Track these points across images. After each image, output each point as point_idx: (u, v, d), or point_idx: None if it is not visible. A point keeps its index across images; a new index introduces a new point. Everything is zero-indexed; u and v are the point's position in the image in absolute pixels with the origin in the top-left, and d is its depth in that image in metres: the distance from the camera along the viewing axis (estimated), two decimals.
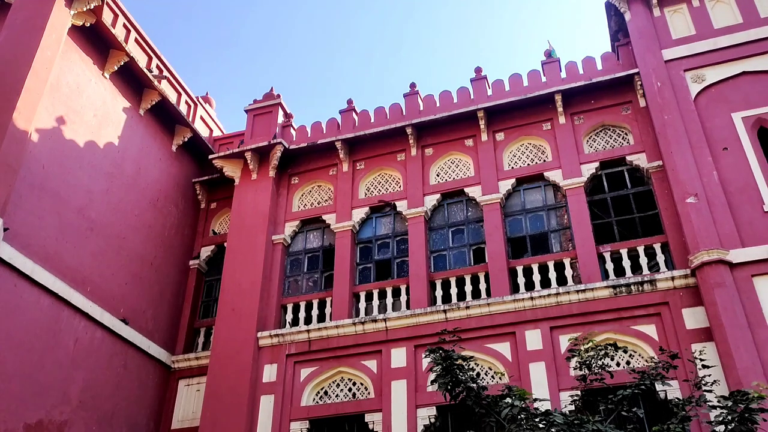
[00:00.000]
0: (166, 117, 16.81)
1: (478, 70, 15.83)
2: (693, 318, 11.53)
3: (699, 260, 11.43)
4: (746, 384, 9.39)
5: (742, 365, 10.21)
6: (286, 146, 16.12)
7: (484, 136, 15.01)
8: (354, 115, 16.50)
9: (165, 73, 16.78)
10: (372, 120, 16.21)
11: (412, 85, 16.26)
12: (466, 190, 14.67)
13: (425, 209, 14.67)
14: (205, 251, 16.97)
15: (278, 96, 17.09)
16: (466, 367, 8.69)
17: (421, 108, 15.90)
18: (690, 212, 11.96)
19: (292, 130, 16.81)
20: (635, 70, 14.15)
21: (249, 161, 16.13)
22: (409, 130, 15.39)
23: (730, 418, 7.29)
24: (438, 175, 15.25)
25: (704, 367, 8.35)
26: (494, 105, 15.00)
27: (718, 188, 12.16)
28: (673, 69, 13.71)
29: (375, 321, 13.38)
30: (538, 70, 15.35)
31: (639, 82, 14.05)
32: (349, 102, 16.66)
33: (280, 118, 16.82)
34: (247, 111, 17.17)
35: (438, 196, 14.86)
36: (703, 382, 8.26)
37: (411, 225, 14.62)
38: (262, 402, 13.30)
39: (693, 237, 11.74)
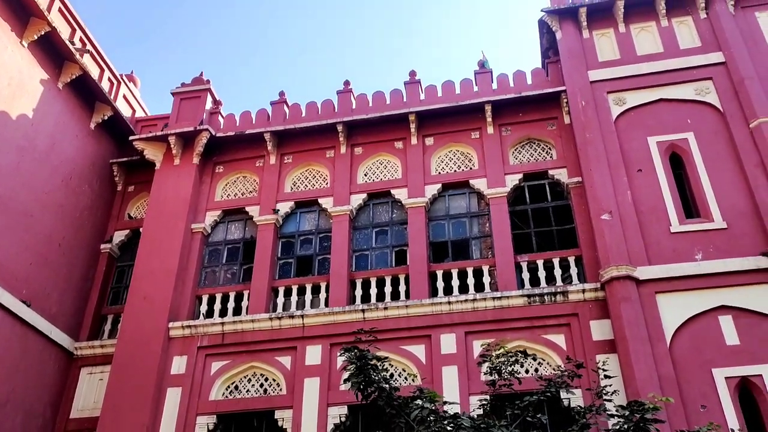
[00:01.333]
0: (86, 93, 16.06)
1: (412, 73, 15.94)
2: (599, 330, 12.00)
3: (609, 275, 11.91)
4: (643, 395, 9.83)
5: (641, 377, 10.71)
6: (213, 133, 15.72)
7: (414, 140, 15.13)
8: (285, 107, 16.27)
9: (88, 47, 16.05)
10: (303, 114, 16.03)
11: (346, 83, 16.21)
12: (393, 191, 14.74)
13: (351, 208, 14.64)
14: (119, 235, 16.31)
15: (208, 81, 16.64)
16: (380, 368, 8.71)
17: (354, 106, 15.87)
18: (604, 228, 12.45)
19: (220, 118, 16.41)
20: (562, 88, 14.61)
21: (172, 146, 15.62)
22: (340, 128, 15.32)
23: (626, 426, 7.63)
24: (366, 175, 15.25)
25: (606, 377, 8.70)
26: (426, 110, 15.14)
27: (630, 208, 12.70)
28: (597, 90, 14.24)
29: (292, 317, 13.22)
30: (470, 79, 15.62)
31: (565, 100, 14.52)
32: (281, 94, 16.42)
33: (209, 104, 16.39)
34: (173, 94, 16.62)
35: (364, 195, 14.86)
36: (604, 391, 8.60)
37: (335, 223, 14.56)
38: (168, 394, 12.88)
39: (605, 252, 12.23)
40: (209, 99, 16.47)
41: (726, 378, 10.72)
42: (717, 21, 14.35)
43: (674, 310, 11.52)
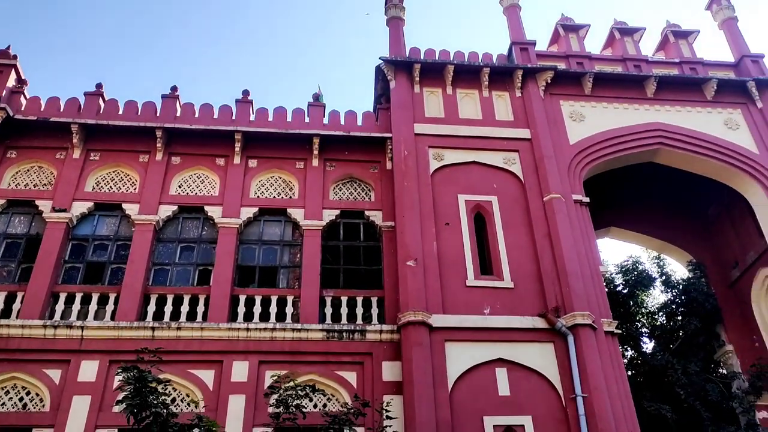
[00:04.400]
0: None
1: (245, 92, 15.64)
2: (390, 371, 12.34)
3: (406, 319, 12.35)
4: None
5: (421, 420, 11.14)
6: (10, 114, 14.09)
7: (237, 159, 14.77)
8: (101, 101, 15.09)
9: None
10: (120, 112, 14.99)
11: (173, 89, 15.46)
12: (207, 208, 14.20)
13: (158, 218, 13.81)
14: None
15: (15, 57, 14.97)
16: (161, 391, 8.22)
17: (178, 114, 15.17)
18: (407, 274, 12.93)
19: (23, 99, 14.77)
20: (389, 135, 15.20)
21: None
22: (159, 133, 14.53)
23: None
24: (180, 187, 14.54)
25: (388, 417, 8.97)
26: (254, 131, 14.93)
27: (434, 258, 13.36)
28: (420, 143, 14.98)
29: (70, 327, 12.02)
30: (303, 109, 15.70)
31: (390, 147, 15.10)
32: (99, 86, 15.19)
33: (11, 82, 14.71)
34: None
35: (175, 207, 14.13)
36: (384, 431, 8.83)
37: (138, 232, 13.62)
38: None
39: (405, 297, 12.68)
40: (13, 76, 14.79)
41: (494, 426, 11.53)
42: (529, 101, 15.90)
43: (459, 359, 12.20)
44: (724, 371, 17.31)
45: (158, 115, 15.03)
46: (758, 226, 16.07)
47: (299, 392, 8.78)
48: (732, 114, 16.72)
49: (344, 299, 13.46)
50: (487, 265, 13.82)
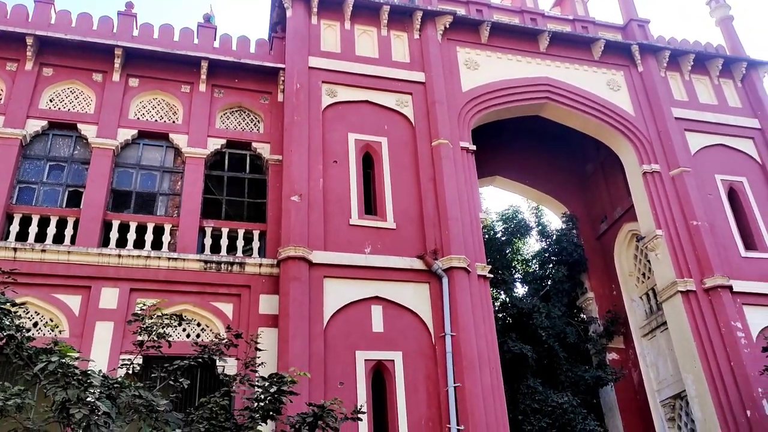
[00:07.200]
0: None
1: (129, 5, 14.60)
2: (268, 304, 12.36)
3: (286, 254, 12.33)
4: None
5: (294, 353, 11.31)
6: None
7: (116, 76, 13.86)
8: None
9: None
10: None
11: None
12: (80, 126, 13.34)
13: (24, 133, 12.84)
14: None
15: None
16: (20, 313, 7.85)
17: (53, 22, 13.95)
18: (291, 209, 12.84)
19: None
20: (282, 66, 14.75)
21: None
22: (29, 41, 13.33)
23: (263, 396, 8.02)
24: (51, 101, 13.53)
25: (257, 349, 9.03)
26: (136, 48, 14.02)
27: (320, 195, 13.31)
28: (313, 77, 14.66)
29: None
30: (192, 29, 14.89)
31: (282, 78, 14.68)
32: None
33: None
34: None
35: (44, 123, 13.19)
36: (253, 362, 8.90)
37: (1, 146, 12.62)
38: None
39: (287, 232, 12.63)
40: None
41: (365, 360, 11.90)
42: (426, 44, 15.85)
43: (337, 295, 12.39)
44: (584, 316, 18.73)
45: (30, 21, 13.77)
46: (627, 185, 17.20)
47: (165, 320, 8.65)
48: (615, 75, 17.53)
49: (225, 231, 13.22)
50: (371, 205, 13.95)
